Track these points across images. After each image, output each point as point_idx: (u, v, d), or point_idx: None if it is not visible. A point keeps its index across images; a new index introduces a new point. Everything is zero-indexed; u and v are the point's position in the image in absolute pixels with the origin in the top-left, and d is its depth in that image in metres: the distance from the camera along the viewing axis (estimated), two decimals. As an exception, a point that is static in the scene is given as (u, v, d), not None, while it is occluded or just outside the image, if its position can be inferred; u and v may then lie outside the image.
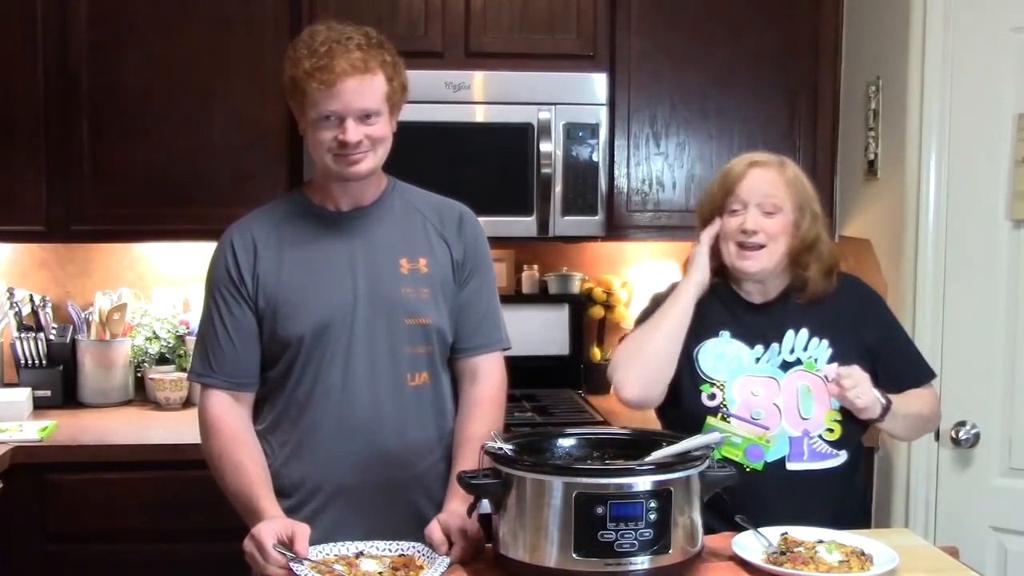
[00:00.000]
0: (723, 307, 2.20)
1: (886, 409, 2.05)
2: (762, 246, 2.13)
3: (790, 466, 2.08)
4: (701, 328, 2.17)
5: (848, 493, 2.16)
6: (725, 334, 2.17)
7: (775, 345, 2.15)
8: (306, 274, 2.02)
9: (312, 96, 1.92)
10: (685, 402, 2.15)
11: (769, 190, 2.14)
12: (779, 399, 2.11)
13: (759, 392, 2.12)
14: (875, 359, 2.15)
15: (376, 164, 2.01)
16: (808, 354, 2.14)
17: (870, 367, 2.10)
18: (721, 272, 2.22)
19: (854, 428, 2.13)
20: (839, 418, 2.11)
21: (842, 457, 2.12)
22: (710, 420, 2.11)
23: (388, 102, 1.97)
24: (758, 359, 2.15)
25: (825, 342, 2.14)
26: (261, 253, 2.02)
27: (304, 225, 2.06)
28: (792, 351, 2.14)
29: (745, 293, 2.21)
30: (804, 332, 2.15)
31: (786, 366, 2.13)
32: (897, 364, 2.18)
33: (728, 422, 2.10)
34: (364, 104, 1.93)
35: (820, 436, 2.11)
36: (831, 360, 2.12)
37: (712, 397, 2.14)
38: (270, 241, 2.04)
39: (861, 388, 2.02)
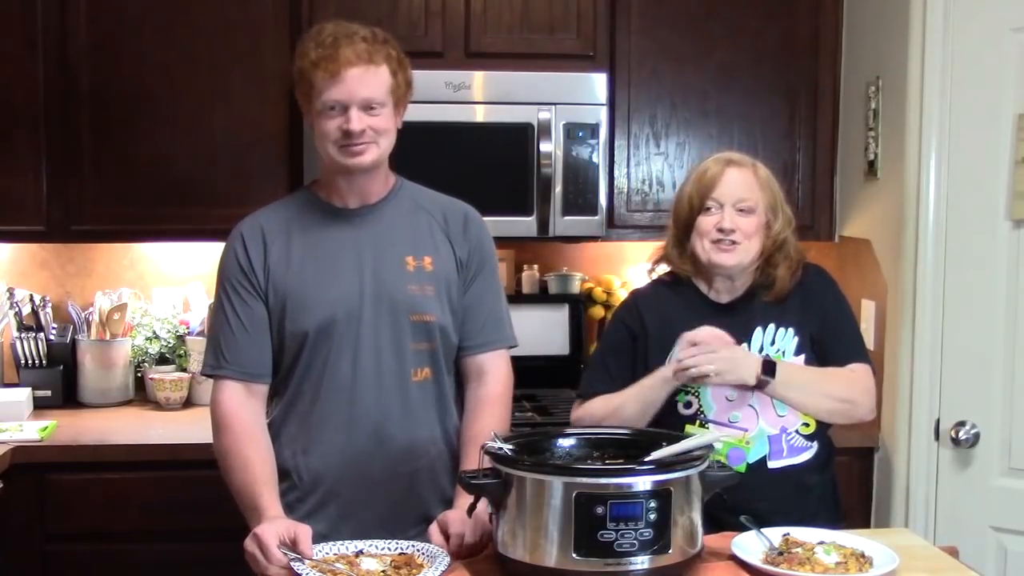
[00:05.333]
0: (691, 311, 2.21)
1: (768, 367, 2.06)
2: (737, 243, 2.16)
3: (771, 464, 2.12)
4: (670, 336, 2.17)
5: (823, 485, 2.20)
6: None
7: (744, 345, 2.16)
8: (314, 269, 2.04)
9: (317, 86, 1.96)
10: (662, 413, 2.15)
11: (744, 192, 2.18)
12: (754, 400, 2.13)
13: (733, 396, 2.14)
14: (819, 336, 2.19)
15: (379, 156, 2.03)
16: (776, 347, 2.17)
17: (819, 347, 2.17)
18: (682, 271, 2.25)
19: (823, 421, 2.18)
20: None
21: (814, 448, 2.16)
22: (689, 429, 2.12)
23: (392, 95, 2.00)
24: None
25: (791, 330, 2.17)
26: (271, 246, 2.05)
27: (313, 221, 2.08)
28: (761, 349, 2.17)
29: (714, 293, 2.24)
30: (771, 326, 2.18)
31: None
32: (828, 340, 2.20)
33: (707, 429, 2.12)
34: (368, 93, 1.96)
35: (797, 431, 2.14)
36: (798, 349, 2.16)
37: (688, 405, 2.16)
38: (279, 235, 2.06)
39: (718, 361, 2.04)
